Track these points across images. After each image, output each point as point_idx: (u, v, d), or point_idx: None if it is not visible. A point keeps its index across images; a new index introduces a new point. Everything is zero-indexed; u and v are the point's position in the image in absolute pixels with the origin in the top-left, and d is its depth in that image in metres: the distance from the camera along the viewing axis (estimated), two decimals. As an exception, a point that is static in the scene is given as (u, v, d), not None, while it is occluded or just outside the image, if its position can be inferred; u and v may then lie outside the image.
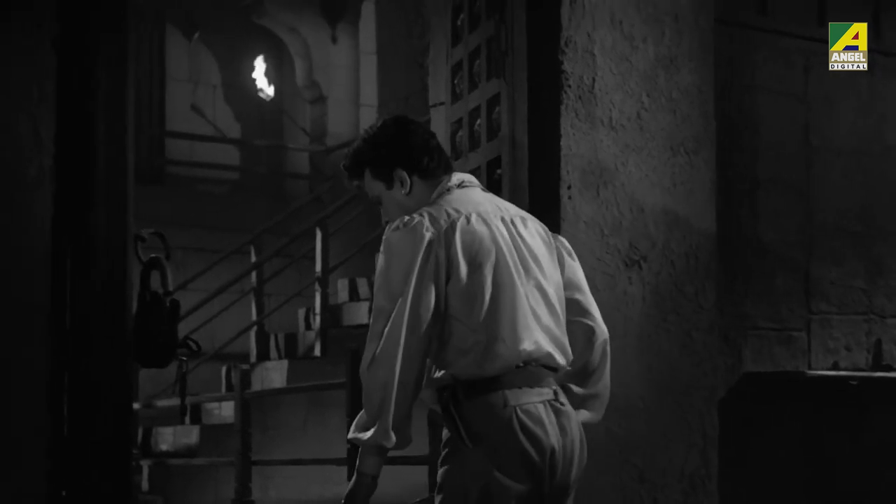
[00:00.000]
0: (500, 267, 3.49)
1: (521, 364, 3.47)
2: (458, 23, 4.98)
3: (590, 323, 3.74)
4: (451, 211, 3.51)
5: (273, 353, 10.15)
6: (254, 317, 10.37)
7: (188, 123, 13.58)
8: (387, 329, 3.41)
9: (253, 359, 10.17)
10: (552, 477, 3.48)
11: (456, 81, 4.99)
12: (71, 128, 3.78)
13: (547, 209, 4.66)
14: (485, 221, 3.52)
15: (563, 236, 4.63)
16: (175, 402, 8.64)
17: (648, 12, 4.92)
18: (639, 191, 4.86)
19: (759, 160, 5.78)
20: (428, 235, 3.45)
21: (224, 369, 9.80)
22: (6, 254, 3.69)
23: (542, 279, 3.58)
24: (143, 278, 3.91)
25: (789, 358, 5.86)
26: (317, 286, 9.78)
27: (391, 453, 3.50)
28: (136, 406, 4.49)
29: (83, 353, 3.78)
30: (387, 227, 3.53)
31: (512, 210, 3.66)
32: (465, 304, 3.46)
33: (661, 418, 4.89)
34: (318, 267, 9.79)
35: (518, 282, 3.51)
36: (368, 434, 3.43)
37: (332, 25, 13.45)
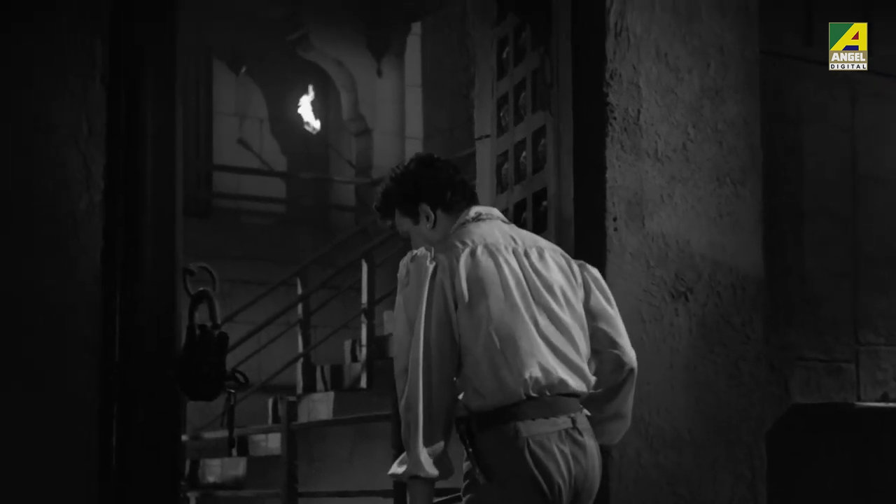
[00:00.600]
0: (506, 298, 3.54)
1: (534, 394, 3.50)
2: (504, 56, 4.99)
3: (617, 353, 3.76)
4: (457, 243, 3.60)
5: (319, 384, 10.17)
6: (300, 349, 10.39)
7: (235, 157, 13.67)
8: (410, 365, 3.47)
9: (299, 391, 10.19)
10: (563, 499, 3.50)
11: (501, 114, 5.00)
12: (120, 163, 3.82)
13: (593, 241, 4.66)
14: (491, 253, 3.59)
15: (609, 268, 4.66)
16: (222, 433, 8.67)
17: (693, 44, 4.92)
18: (685, 222, 4.85)
19: (804, 190, 5.76)
20: (431, 267, 3.53)
21: (271, 401, 9.82)
22: (56, 287, 3.73)
23: (556, 308, 3.61)
24: (191, 311, 3.94)
25: (837, 389, 5.82)
26: (363, 318, 9.80)
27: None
28: (183, 438, 4.52)
29: (132, 385, 3.81)
30: (400, 263, 3.62)
31: (528, 241, 3.70)
32: (471, 333, 3.52)
33: (709, 450, 4.86)
34: (364, 298, 9.81)
35: (524, 311, 3.55)
36: (403, 468, 3.45)
37: (377, 59, 13.52)
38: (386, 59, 13.57)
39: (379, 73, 13.57)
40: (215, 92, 13.65)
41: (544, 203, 4.71)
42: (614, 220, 4.72)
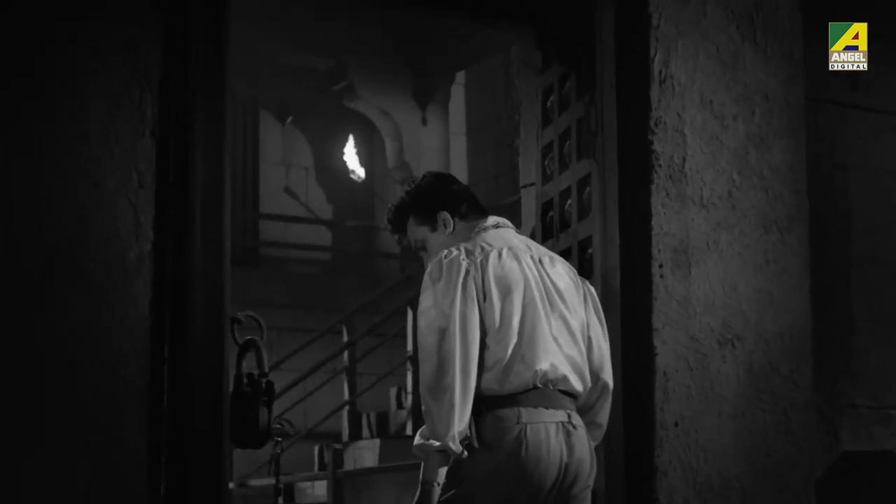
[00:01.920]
0: (527, 296, 3.89)
1: (539, 385, 3.86)
2: (548, 104, 5.02)
3: (595, 369, 4.08)
4: (484, 245, 3.94)
5: (365, 432, 10.18)
6: (346, 396, 10.41)
7: (281, 205, 13.77)
8: (443, 346, 3.78)
9: (345, 438, 10.21)
10: (551, 489, 3.86)
11: (546, 162, 5.02)
12: (169, 214, 3.86)
13: (639, 288, 4.66)
14: (515, 256, 3.95)
15: (656, 315, 4.65)
16: (269, 481, 8.69)
17: (738, 91, 4.92)
18: (731, 269, 4.84)
19: (852, 237, 5.73)
20: (465, 265, 3.86)
21: (317, 448, 9.83)
22: (106, 337, 3.77)
23: (566, 312, 3.98)
24: (238, 360, 3.96)
25: (888, 436, 5.76)
26: (408, 365, 9.81)
27: None
28: (230, 485, 4.52)
29: (180, 434, 3.83)
30: (430, 262, 3.94)
31: (542, 250, 4.10)
32: (494, 327, 3.85)
33: (758, 498, 4.82)
34: (409, 345, 9.83)
35: (542, 311, 3.91)
36: (440, 442, 3.75)
37: (422, 108, 13.60)
38: (431, 107, 13.66)
39: (424, 121, 13.65)
40: (262, 141, 13.78)
41: (590, 251, 4.71)
42: (660, 267, 4.72)
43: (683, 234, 4.76)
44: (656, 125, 4.77)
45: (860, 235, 5.76)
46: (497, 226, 4.09)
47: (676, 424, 4.66)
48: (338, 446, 8.81)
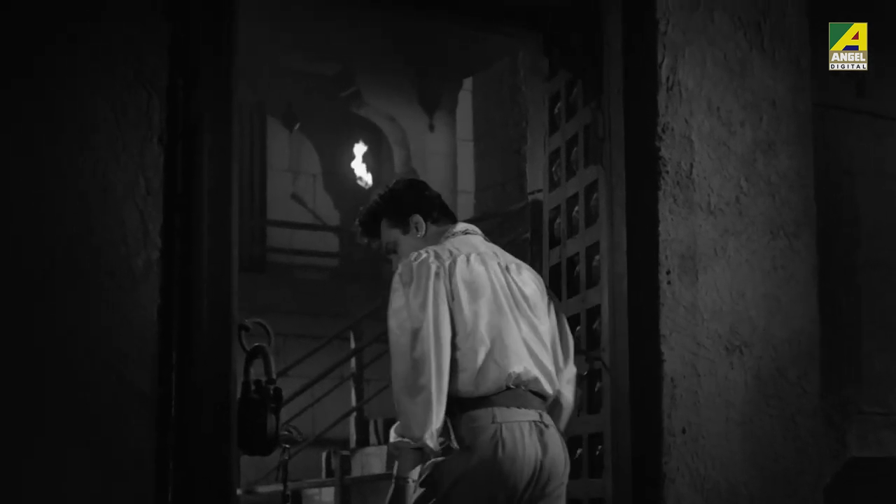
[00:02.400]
0: (495, 301, 4.02)
1: (512, 386, 3.98)
2: (556, 111, 5.02)
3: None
4: (453, 250, 4.07)
5: (373, 438, 10.17)
6: (353, 402, 10.41)
7: (288, 212, 13.78)
8: (416, 347, 3.89)
9: (353, 444, 10.20)
10: (528, 485, 3.97)
11: (553, 169, 5.02)
12: (177, 221, 3.86)
13: (646, 294, 4.65)
14: (482, 261, 4.08)
15: (663, 322, 4.65)
16: (276, 488, 8.68)
17: (746, 98, 4.92)
18: (738, 275, 4.84)
19: (859, 243, 5.72)
20: (434, 267, 3.98)
21: (324, 455, 9.83)
22: (114, 343, 3.77)
23: (533, 317, 4.11)
24: (246, 366, 3.97)
25: (896, 443, 5.76)
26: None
27: None
28: (237, 492, 4.51)
29: (187, 441, 3.83)
30: (400, 263, 4.05)
31: (508, 257, 4.22)
32: (464, 329, 3.96)
33: (766, 505, 4.82)
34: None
35: (511, 316, 4.04)
36: (417, 442, 3.87)
37: (429, 114, 13.61)
38: (438, 114, 13.66)
39: (431, 127, 13.66)
40: (269, 148, 13.80)
41: (597, 257, 4.71)
42: (667, 273, 4.71)
43: (691, 240, 4.75)
44: (664, 131, 4.77)
45: (867, 241, 5.76)
46: (466, 232, 4.22)
47: (684, 431, 4.66)
48: (345, 453, 8.81)
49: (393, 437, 3.94)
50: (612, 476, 4.52)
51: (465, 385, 3.96)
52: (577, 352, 4.69)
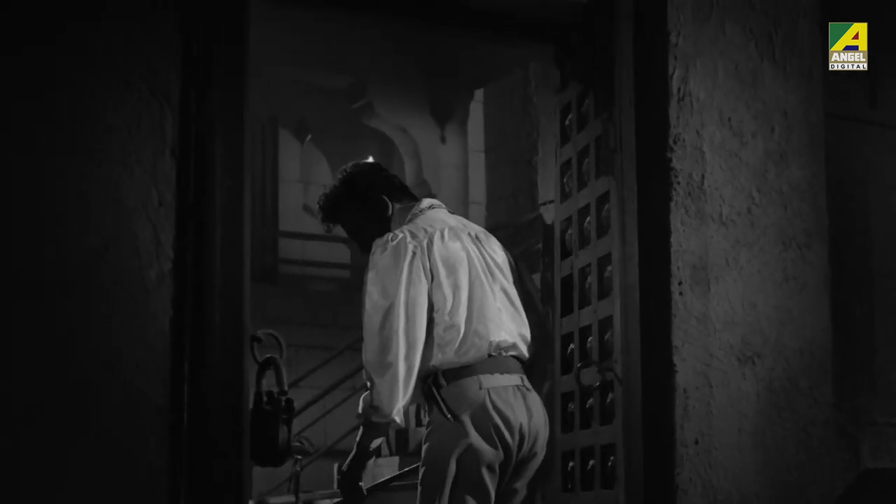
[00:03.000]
0: (472, 273, 4.17)
1: (493, 353, 4.15)
2: (567, 122, 5.02)
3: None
4: (427, 227, 4.20)
5: (384, 448, 10.16)
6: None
7: (300, 223, 13.80)
8: (385, 324, 4.05)
9: (365, 455, 10.17)
10: (519, 449, 4.15)
11: (565, 180, 5.02)
12: (189, 233, 3.87)
13: (658, 305, 4.65)
14: (456, 235, 4.23)
15: (675, 333, 4.65)
16: (288, 499, 8.67)
17: (757, 108, 4.92)
18: (750, 286, 4.83)
19: (872, 253, 5.72)
20: (411, 247, 4.12)
21: (336, 466, 9.81)
22: (127, 355, 3.78)
23: (506, 285, 4.30)
24: (258, 378, 3.97)
25: (910, 454, 5.74)
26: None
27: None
28: (249, 503, 4.51)
29: (200, 452, 3.84)
30: (374, 244, 4.18)
31: (475, 227, 4.41)
32: (444, 303, 4.11)
33: (779, 517, 4.81)
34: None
35: (487, 285, 4.20)
36: (385, 418, 4.04)
37: (440, 125, 13.62)
38: (449, 125, 13.67)
39: (442, 139, 13.66)
40: (281, 159, 13.82)
41: (609, 268, 4.71)
42: (679, 284, 4.71)
43: (702, 251, 4.75)
44: (675, 142, 4.77)
45: (879, 251, 5.75)
46: (431, 207, 4.35)
47: (696, 442, 4.65)
48: (357, 464, 8.77)
49: (362, 406, 4.08)
50: (625, 487, 4.51)
51: (449, 357, 4.12)
52: (589, 363, 4.69)
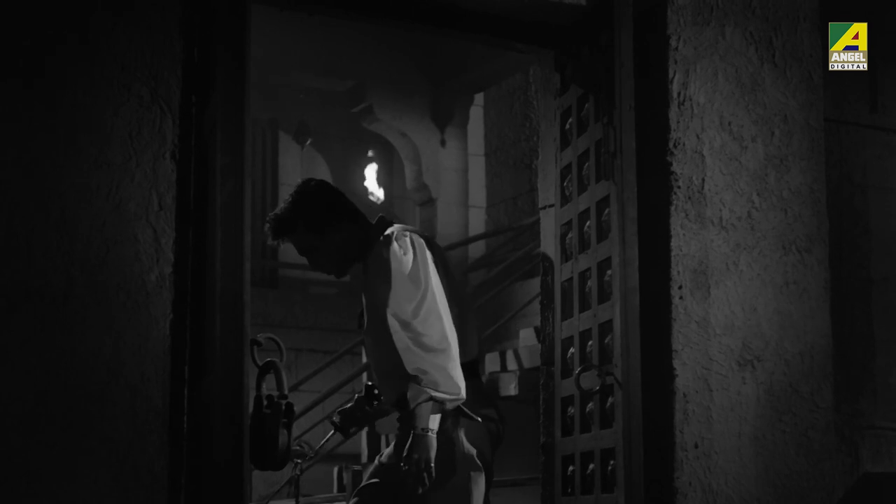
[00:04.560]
0: (447, 275, 4.26)
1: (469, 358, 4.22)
2: (567, 126, 5.02)
3: None
4: (416, 231, 4.29)
5: (383, 448, 10.15)
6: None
7: (301, 227, 13.79)
8: (424, 309, 4.06)
9: (364, 459, 10.18)
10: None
11: (565, 184, 5.02)
12: (189, 236, 3.88)
13: (658, 310, 4.65)
14: (431, 244, 4.30)
15: (675, 337, 4.66)
16: (288, 502, 8.67)
17: (758, 113, 4.93)
18: (751, 290, 4.83)
19: (872, 257, 5.71)
20: (423, 242, 4.21)
21: (336, 469, 9.82)
22: (127, 358, 3.79)
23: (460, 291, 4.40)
24: (258, 381, 3.97)
25: (910, 458, 5.74)
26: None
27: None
28: (250, 508, 4.52)
29: (200, 455, 3.84)
30: (386, 244, 4.19)
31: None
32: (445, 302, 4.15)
33: (779, 521, 4.81)
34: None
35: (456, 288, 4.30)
36: (458, 394, 4.02)
37: (441, 129, 13.62)
38: (449, 129, 13.67)
39: (442, 143, 13.66)
40: (281, 163, 13.83)
41: (609, 272, 4.71)
42: (679, 288, 4.71)
43: (703, 255, 4.75)
44: (675, 146, 4.77)
45: (880, 255, 5.75)
46: (390, 221, 4.41)
47: (696, 446, 4.65)
48: (357, 467, 8.78)
49: (420, 391, 4.00)
50: (625, 492, 4.51)
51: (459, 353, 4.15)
52: (589, 367, 4.69)
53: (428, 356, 4.02)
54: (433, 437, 4.02)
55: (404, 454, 4.02)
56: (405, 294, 4.10)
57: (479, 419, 4.17)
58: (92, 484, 3.69)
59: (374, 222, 4.42)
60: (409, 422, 4.05)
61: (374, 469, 4.36)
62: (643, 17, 4.76)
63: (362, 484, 4.35)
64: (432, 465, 4.01)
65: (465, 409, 4.13)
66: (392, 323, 4.07)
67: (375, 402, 4.44)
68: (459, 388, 4.04)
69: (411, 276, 4.12)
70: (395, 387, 4.10)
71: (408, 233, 4.25)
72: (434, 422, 4.03)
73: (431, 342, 4.04)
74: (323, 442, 4.88)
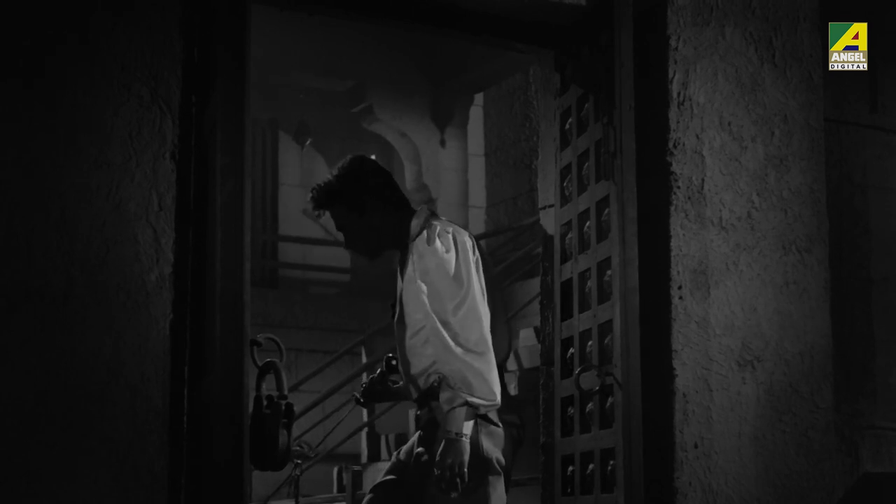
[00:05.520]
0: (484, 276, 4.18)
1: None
2: (567, 126, 5.02)
3: None
4: (460, 228, 4.22)
5: (384, 453, 10.17)
6: (365, 417, 10.41)
7: (300, 227, 13.80)
8: (465, 310, 4.02)
9: (364, 459, 10.20)
10: None
11: (565, 184, 5.02)
12: (189, 236, 3.88)
13: (658, 310, 4.65)
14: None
15: (675, 337, 4.66)
16: (288, 502, 8.68)
17: (757, 113, 4.93)
18: (751, 290, 4.83)
19: (871, 257, 5.71)
20: (470, 242, 4.16)
21: (336, 470, 9.83)
22: (128, 358, 3.79)
23: None
24: (258, 382, 3.97)
25: (910, 458, 5.73)
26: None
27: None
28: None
29: (200, 455, 3.84)
30: (429, 239, 4.15)
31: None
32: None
33: (779, 521, 4.81)
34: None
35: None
36: (494, 400, 4.00)
37: (441, 129, 13.62)
38: (449, 129, 13.67)
39: (442, 143, 13.67)
40: (281, 163, 13.83)
41: (609, 272, 4.71)
42: (679, 288, 4.71)
43: (702, 255, 4.75)
44: (675, 147, 4.77)
45: (880, 255, 5.75)
46: (435, 214, 4.34)
47: (696, 446, 4.65)
48: (357, 468, 8.80)
49: (455, 395, 3.97)
50: (625, 492, 4.51)
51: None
52: (588, 367, 4.69)
53: (466, 357, 3.99)
54: (466, 442, 3.98)
55: (437, 458, 3.98)
56: (447, 293, 4.07)
57: (501, 426, 4.12)
58: (92, 484, 3.69)
59: (423, 208, 4.37)
60: (438, 423, 4.04)
61: (391, 465, 4.32)
62: (643, 17, 4.76)
63: (379, 480, 4.32)
64: (465, 470, 3.97)
65: (488, 415, 4.08)
66: (431, 321, 4.05)
67: (395, 376, 4.41)
68: (495, 395, 4.02)
69: (455, 276, 4.09)
70: (422, 383, 4.12)
71: (450, 230, 4.20)
72: (468, 427, 4.00)
73: (469, 343, 4.01)
74: (335, 425, 4.87)
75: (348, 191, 4.29)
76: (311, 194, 4.33)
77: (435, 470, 3.96)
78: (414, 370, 4.16)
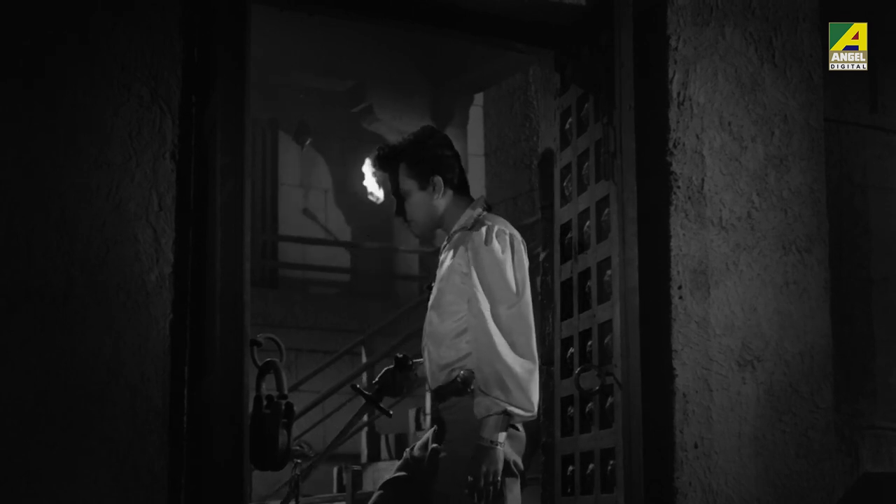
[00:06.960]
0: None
1: None
2: (567, 126, 5.02)
3: None
4: (512, 232, 4.12)
5: (384, 453, 10.16)
6: (365, 417, 10.40)
7: (300, 227, 13.79)
8: (519, 317, 3.97)
9: (364, 459, 10.19)
10: None
11: (565, 184, 5.02)
12: (189, 236, 3.88)
13: (658, 310, 4.65)
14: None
15: (675, 337, 4.66)
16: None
17: (757, 113, 4.92)
18: (751, 290, 4.83)
19: (871, 258, 5.72)
20: (524, 247, 4.10)
21: (336, 470, 9.82)
22: (128, 358, 3.79)
23: None
24: (258, 381, 3.97)
25: (910, 458, 5.74)
26: (427, 386, 9.78)
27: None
28: (250, 508, 4.52)
29: (200, 455, 3.84)
30: (487, 237, 4.05)
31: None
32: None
33: (778, 521, 4.81)
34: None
35: None
36: (527, 412, 3.95)
37: (440, 129, 13.61)
38: (449, 129, 13.64)
39: (442, 143, 13.64)
40: (280, 163, 13.82)
41: (608, 272, 4.71)
42: (679, 288, 4.71)
43: (702, 255, 4.75)
44: (675, 147, 4.77)
45: (880, 255, 5.75)
46: (490, 209, 4.25)
47: (696, 446, 4.65)
48: (357, 468, 8.79)
49: (493, 402, 3.91)
50: (625, 492, 4.51)
51: None
52: (588, 367, 4.69)
53: (509, 361, 3.94)
54: (501, 450, 3.93)
55: (471, 466, 3.92)
56: (500, 295, 4.01)
57: (522, 429, 4.09)
58: (92, 484, 3.69)
59: (478, 201, 4.27)
60: (456, 421, 4.03)
61: (402, 462, 4.26)
62: (643, 17, 4.76)
63: (389, 476, 4.27)
64: (500, 478, 3.93)
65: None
66: (481, 319, 3.99)
67: (409, 371, 4.36)
68: (533, 405, 3.98)
69: (510, 280, 4.03)
70: (445, 375, 4.10)
71: (508, 231, 4.12)
72: (502, 436, 3.95)
73: (515, 348, 3.97)
74: (354, 430, 4.86)
75: (415, 155, 4.18)
76: (376, 151, 4.22)
77: (468, 477, 3.91)
78: (443, 360, 4.13)
